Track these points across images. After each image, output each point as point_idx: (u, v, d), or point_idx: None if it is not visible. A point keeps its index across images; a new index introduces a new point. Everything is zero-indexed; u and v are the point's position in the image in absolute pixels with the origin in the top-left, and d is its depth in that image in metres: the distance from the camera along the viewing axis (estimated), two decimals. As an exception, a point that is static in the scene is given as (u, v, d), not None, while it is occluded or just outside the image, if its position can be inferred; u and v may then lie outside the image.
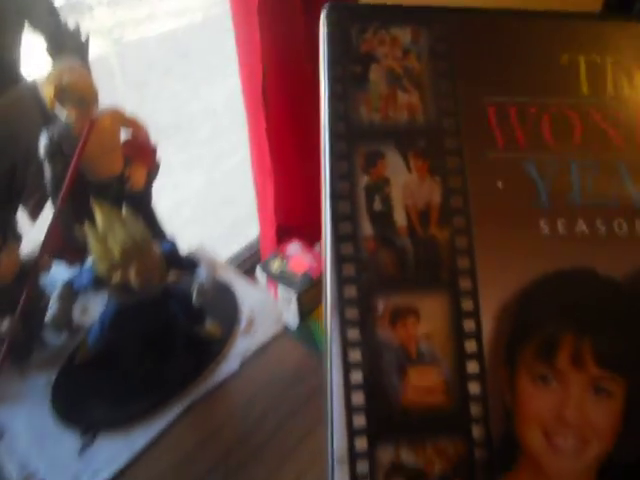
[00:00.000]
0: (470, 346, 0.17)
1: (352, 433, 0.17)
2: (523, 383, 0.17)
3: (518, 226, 0.18)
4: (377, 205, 0.17)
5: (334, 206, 0.17)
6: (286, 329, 0.51)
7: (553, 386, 0.17)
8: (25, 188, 0.49)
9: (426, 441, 0.17)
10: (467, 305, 0.17)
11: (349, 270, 0.17)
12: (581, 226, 0.18)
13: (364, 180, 0.18)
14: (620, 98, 0.19)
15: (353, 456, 0.17)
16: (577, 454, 0.17)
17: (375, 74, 0.18)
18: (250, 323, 0.52)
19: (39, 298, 0.48)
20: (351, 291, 0.17)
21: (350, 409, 0.17)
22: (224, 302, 0.55)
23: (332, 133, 0.18)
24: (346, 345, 0.17)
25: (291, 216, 0.83)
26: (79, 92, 0.44)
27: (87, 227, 0.40)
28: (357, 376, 0.17)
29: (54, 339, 0.50)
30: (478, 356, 0.17)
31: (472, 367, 0.17)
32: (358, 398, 0.17)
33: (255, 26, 0.66)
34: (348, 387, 0.17)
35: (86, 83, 0.44)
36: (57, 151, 0.45)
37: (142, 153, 0.50)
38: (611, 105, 0.19)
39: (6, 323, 0.44)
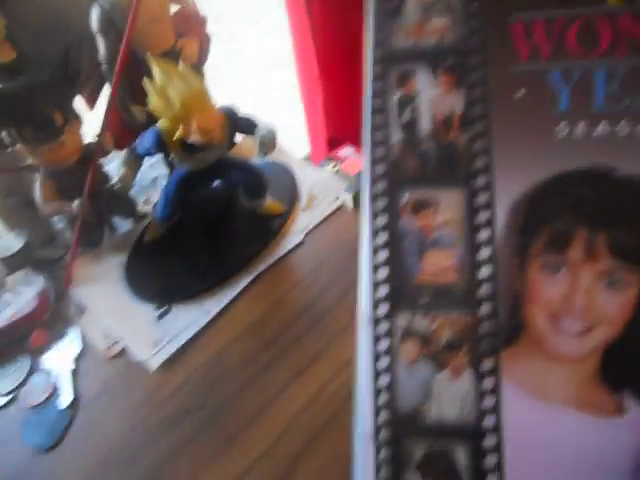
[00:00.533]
0: (484, 234, 0.20)
1: (376, 301, 0.21)
2: (533, 270, 0.19)
3: (537, 129, 0.20)
4: (406, 115, 0.21)
5: (371, 118, 0.21)
6: (345, 205, 0.51)
7: (563, 275, 0.19)
8: (80, 72, 0.49)
9: (438, 312, 0.20)
10: (483, 199, 0.20)
11: (381, 169, 0.21)
12: (602, 128, 0.19)
13: (397, 94, 0.21)
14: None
15: (376, 319, 0.21)
16: (581, 337, 0.19)
17: (410, 5, 0.21)
18: (310, 200, 0.53)
19: (104, 182, 0.50)
20: (382, 186, 0.21)
21: (375, 282, 0.21)
22: (283, 182, 0.55)
23: (373, 58, 0.21)
24: (375, 230, 0.21)
25: (342, 125, 0.77)
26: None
27: (146, 82, 0.41)
28: (383, 255, 0.21)
29: (122, 224, 0.54)
30: (491, 243, 0.20)
31: (484, 253, 0.20)
32: (383, 273, 0.21)
33: None
34: (376, 264, 0.21)
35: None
36: (109, 24, 0.46)
37: (192, 25, 0.50)
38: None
39: (76, 205, 0.47)
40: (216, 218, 0.52)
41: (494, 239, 0.20)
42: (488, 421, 0.19)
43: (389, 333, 0.20)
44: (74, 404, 0.40)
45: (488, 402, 0.19)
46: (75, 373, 0.43)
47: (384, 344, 0.20)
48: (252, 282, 0.47)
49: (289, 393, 0.38)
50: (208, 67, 0.55)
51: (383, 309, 0.21)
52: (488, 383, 0.19)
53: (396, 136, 0.21)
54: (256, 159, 0.51)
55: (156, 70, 0.41)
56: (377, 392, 0.20)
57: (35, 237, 0.53)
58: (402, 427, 0.20)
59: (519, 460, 0.19)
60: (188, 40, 0.50)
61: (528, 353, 0.19)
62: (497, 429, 0.19)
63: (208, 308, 0.46)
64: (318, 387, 0.37)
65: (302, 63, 0.79)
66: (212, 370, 0.41)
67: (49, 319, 0.47)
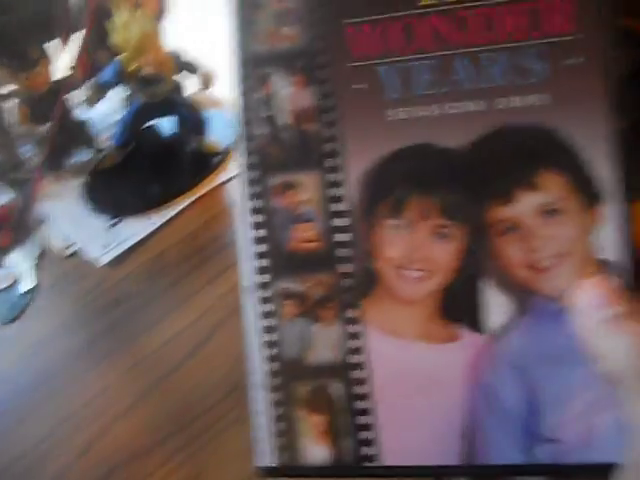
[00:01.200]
0: (337, 207, 0.24)
1: (259, 271, 0.24)
2: (379, 232, 0.24)
3: (373, 115, 0.24)
4: (268, 112, 0.24)
5: (242, 115, 0.25)
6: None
7: (403, 233, 0.24)
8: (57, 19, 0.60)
9: (308, 275, 0.24)
10: (335, 177, 0.24)
11: (253, 159, 0.25)
12: (422, 111, 0.23)
13: (258, 94, 0.25)
14: (456, 2, 0.23)
15: (259, 286, 0.24)
16: (422, 282, 0.23)
17: (263, 16, 0.25)
18: None
19: (70, 111, 0.60)
20: (255, 174, 0.25)
21: (258, 254, 0.24)
22: (219, 127, 0.64)
23: (235, 63, 0.25)
24: (254, 211, 0.25)
25: None
26: None
27: (108, 23, 0.51)
28: (261, 232, 0.24)
29: (84, 154, 0.63)
30: (344, 214, 0.24)
31: (339, 222, 0.24)
32: (262, 248, 0.24)
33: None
34: (256, 240, 0.24)
35: None
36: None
37: None
38: (448, 10, 0.23)
39: (45, 129, 0.57)
40: (164, 148, 0.61)
41: (347, 210, 0.24)
42: (356, 359, 0.24)
43: (271, 298, 0.24)
44: (34, 290, 0.50)
45: (355, 343, 0.24)
46: (35, 267, 0.52)
47: (267, 307, 0.24)
48: (193, 202, 0.57)
49: (214, 285, 0.48)
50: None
51: (265, 278, 0.24)
52: (353, 328, 0.24)
53: (262, 129, 0.24)
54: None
55: (118, 10, 0.50)
56: (267, 347, 0.24)
57: (6, 161, 0.62)
58: (289, 373, 0.24)
59: (383, 385, 0.23)
60: None
61: (383, 300, 0.24)
62: (364, 364, 0.24)
63: (154, 220, 0.55)
64: (231, 286, 0.46)
65: None
66: (152, 267, 0.51)
67: (15, 224, 0.57)
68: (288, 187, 0.24)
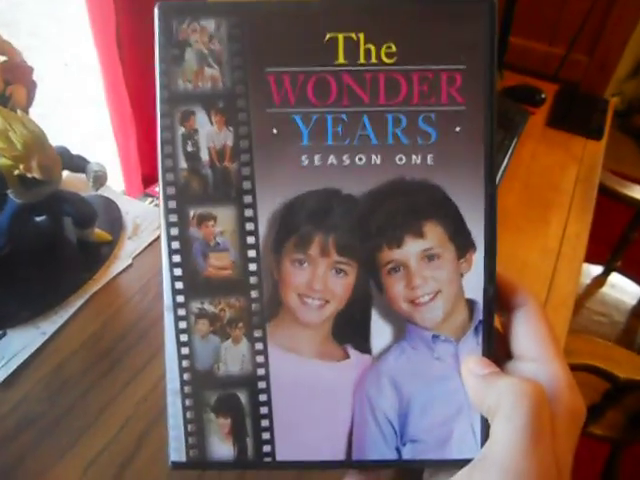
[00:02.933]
0: (250, 240, 0.27)
1: (174, 292, 0.27)
2: (286, 264, 0.27)
3: (287, 160, 0.26)
4: (189, 147, 0.26)
5: (162, 148, 0.26)
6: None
7: (306, 267, 0.27)
8: None
9: (220, 298, 0.27)
10: (248, 213, 0.27)
11: (171, 190, 0.27)
12: (332, 160, 0.26)
13: (181, 130, 0.26)
14: (368, 65, 0.26)
15: (175, 306, 0.27)
16: (319, 309, 0.27)
17: (189, 55, 0.26)
18: (135, 228, 0.61)
19: None
20: (172, 204, 0.27)
21: (173, 278, 0.27)
22: (110, 213, 0.63)
23: (160, 98, 0.26)
24: (170, 239, 0.27)
25: (155, 163, 0.86)
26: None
27: None
28: (177, 258, 0.27)
29: None
30: (255, 246, 0.27)
31: (251, 253, 0.27)
32: (178, 271, 0.27)
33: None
34: (172, 265, 0.27)
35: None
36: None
37: (19, 74, 0.55)
38: (361, 71, 0.26)
39: None
40: (46, 247, 0.56)
41: (258, 243, 0.27)
42: (260, 372, 0.27)
43: (186, 316, 0.27)
44: None
45: (259, 359, 0.27)
46: None
47: (183, 324, 0.27)
48: (85, 303, 0.52)
49: (129, 391, 0.44)
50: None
51: (180, 298, 0.27)
52: (258, 346, 0.27)
53: (182, 164, 0.26)
54: (84, 192, 0.56)
55: None
56: (180, 359, 0.27)
57: None
58: (200, 382, 0.27)
59: (282, 395, 0.27)
60: (17, 87, 0.54)
61: (286, 323, 0.27)
62: (266, 376, 0.27)
63: (44, 329, 0.50)
64: (154, 382, 0.44)
65: (115, 105, 0.82)
66: (52, 383, 0.45)
67: None
68: (205, 219, 0.27)
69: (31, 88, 0.57)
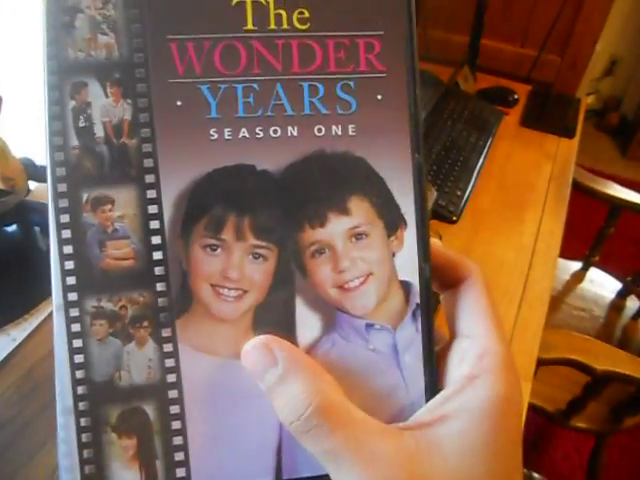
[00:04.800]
0: (154, 224, 0.23)
1: (65, 289, 0.23)
2: (195, 251, 0.24)
3: (194, 134, 0.24)
4: (81, 122, 0.23)
5: (50, 125, 0.23)
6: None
7: (219, 253, 0.24)
8: None
9: (121, 294, 0.23)
10: (151, 194, 0.23)
11: (61, 171, 0.23)
12: (244, 133, 0.24)
13: (71, 104, 0.23)
14: (280, 31, 0.24)
15: (66, 305, 0.23)
16: (236, 301, 0.24)
17: (80, 22, 0.23)
18: None
19: None
20: (62, 187, 0.23)
21: (64, 272, 0.23)
22: None
23: (47, 70, 0.23)
24: (59, 226, 0.23)
25: None
26: None
27: None
28: (68, 249, 0.23)
29: None
30: (160, 232, 0.23)
31: (155, 240, 0.23)
32: (69, 265, 0.23)
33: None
34: (62, 257, 0.23)
35: None
36: None
37: None
38: (272, 37, 0.24)
39: None
40: (16, 256, 0.56)
41: (163, 228, 0.23)
42: (170, 379, 0.23)
43: (80, 317, 0.23)
44: None
45: (169, 363, 0.23)
46: None
47: (76, 327, 0.23)
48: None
49: None
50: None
51: (72, 296, 0.23)
52: (167, 348, 0.23)
53: (73, 141, 0.23)
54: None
55: None
56: (73, 369, 0.23)
57: None
58: (98, 396, 0.23)
59: (197, 405, 0.23)
60: None
61: (198, 319, 0.24)
62: (178, 384, 0.23)
63: (14, 336, 0.50)
64: None
65: None
66: (22, 387, 0.45)
67: None
68: (101, 203, 0.23)
69: None
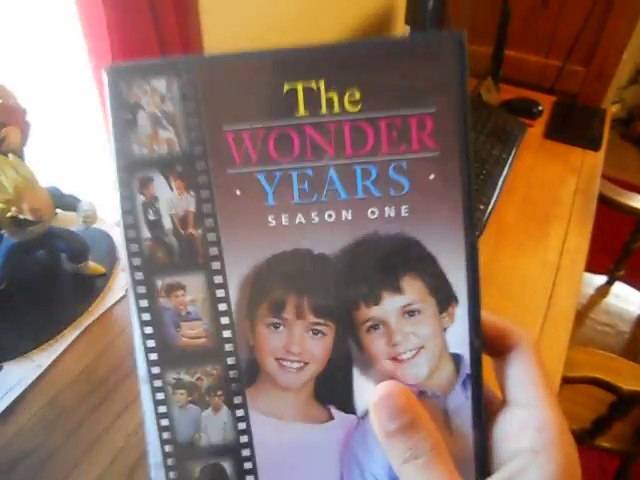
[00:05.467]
0: (222, 307, 0.26)
1: (149, 363, 0.26)
2: (260, 329, 0.26)
3: (253, 221, 0.25)
4: (150, 216, 0.25)
5: (124, 218, 0.25)
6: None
7: (282, 330, 0.26)
8: None
9: (196, 367, 0.26)
10: (218, 280, 0.25)
11: (137, 261, 0.26)
12: (300, 218, 0.25)
13: (140, 199, 0.25)
14: (331, 114, 0.25)
15: (151, 377, 0.26)
16: (298, 372, 0.26)
17: (142, 119, 0.25)
18: None
19: None
20: (139, 275, 0.26)
21: (146, 349, 0.26)
22: (103, 246, 0.64)
23: (117, 166, 0.25)
24: (140, 310, 0.26)
25: None
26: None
27: None
28: (149, 329, 0.26)
29: None
30: (228, 313, 0.26)
31: (224, 320, 0.26)
32: (151, 343, 0.26)
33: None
34: (144, 336, 0.26)
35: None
36: None
37: (14, 116, 0.57)
38: (324, 122, 0.25)
39: None
40: (42, 281, 0.58)
41: (230, 309, 0.26)
42: (243, 439, 0.26)
43: (163, 387, 0.26)
44: None
45: (241, 426, 0.26)
46: None
47: (160, 395, 0.26)
48: (80, 335, 0.53)
49: (120, 423, 0.44)
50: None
51: (155, 370, 0.26)
52: (239, 413, 0.26)
53: (145, 234, 0.25)
54: (77, 227, 0.56)
55: None
56: (160, 431, 0.27)
57: None
58: (182, 454, 0.27)
59: (267, 462, 0.27)
60: (11, 128, 0.56)
61: (265, 388, 0.26)
62: (250, 444, 0.26)
63: (39, 362, 0.51)
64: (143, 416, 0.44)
65: None
66: (46, 415, 0.46)
67: None
68: (174, 289, 0.26)
69: (25, 129, 0.59)
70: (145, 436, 0.27)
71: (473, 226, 0.25)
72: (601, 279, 1.34)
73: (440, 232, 0.25)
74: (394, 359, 0.26)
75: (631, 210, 1.20)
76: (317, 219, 0.25)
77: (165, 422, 0.26)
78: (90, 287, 0.59)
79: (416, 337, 0.26)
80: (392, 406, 0.24)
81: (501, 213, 0.97)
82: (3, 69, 0.62)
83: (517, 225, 0.94)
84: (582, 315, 1.23)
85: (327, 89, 0.24)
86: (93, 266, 0.61)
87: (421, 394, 0.26)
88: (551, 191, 1.05)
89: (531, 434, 0.24)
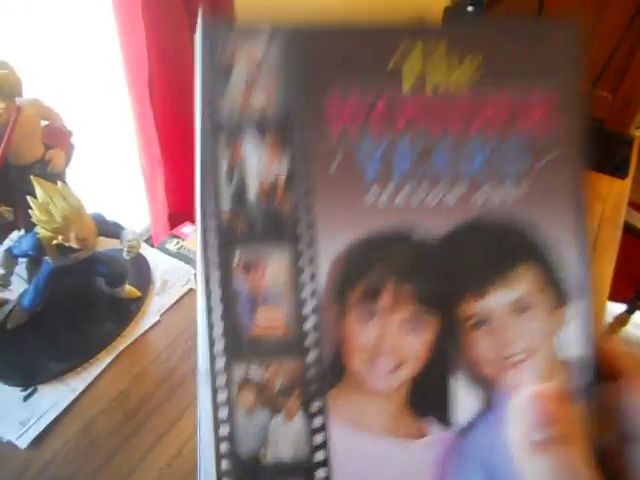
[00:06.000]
0: (307, 290, 0.22)
1: (212, 355, 0.22)
2: (351, 319, 0.22)
3: (350, 198, 0.23)
4: (234, 185, 0.22)
5: (202, 187, 0.22)
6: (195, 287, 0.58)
7: (375, 321, 0.22)
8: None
9: (270, 362, 0.22)
10: (306, 257, 0.22)
11: (211, 237, 0.22)
12: (402, 197, 0.23)
13: (225, 166, 0.22)
14: (437, 95, 0.23)
15: (213, 372, 0.22)
16: (392, 374, 0.22)
17: (235, 80, 0.23)
18: (164, 284, 0.60)
19: None
20: (213, 253, 0.22)
21: (211, 338, 0.22)
22: (139, 269, 0.63)
23: (202, 130, 0.23)
24: (209, 292, 0.22)
25: (181, 202, 0.91)
26: (7, 85, 0.51)
27: (30, 200, 0.48)
28: (218, 312, 0.22)
29: None
30: (314, 298, 0.22)
31: (308, 306, 0.22)
32: (218, 329, 0.22)
33: (140, 24, 0.72)
34: (210, 322, 0.22)
35: (13, 76, 0.51)
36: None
37: (60, 138, 0.58)
38: (428, 101, 0.23)
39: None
40: (78, 304, 0.57)
41: (317, 293, 0.22)
42: (319, 456, 0.22)
43: (227, 385, 0.22)
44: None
45: (318, 439, 0.22)
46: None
47: (222, 396, 0.22)
48: (114, 360, 0.51)
49: (154, 454, 0.42)
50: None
51: (220, 363, 0.22)
52: (317, 422, 0.22)
53: (226, 204, 0.22)
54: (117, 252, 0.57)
55: (39, 189, 0.47)
56: (218, 442, 0.22)
57: None
58: (242, 473, 0.22)
59: (346, 486, 0.22)
60: (56, 151, 0.57)
61: (350, 392, 0.22)
62: (327, 462, 0.22)
63: (73, 386, 0.49)
64: (179, 446, 0.42)
65: (145, 147, 0.87)
66: (80, 443, 0.44)
67: None
68: (253, 266, 0.22)
69: (69, 151, 0.60)
70: (197, 448, 0.22)
71: (587, 212, 0.23)
72: (621, 307, 1.31)
73: (558, 217, 0.23)
74: (499, 363, 0.22)
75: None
76: (420, 199, 0.23)
77: (225, 430, 0.22)
78: (125, 311, 0.58)
79: (527, 338, 0.22)
80: (544, 410, 0.20)
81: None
82: (47, 90, 0.62)
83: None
84: (600, 345, 1.19)
85: (446, 54, 0.23)
86: (129, 289, 0.60)
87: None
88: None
89: None
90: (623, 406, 0.22)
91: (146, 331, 0.55)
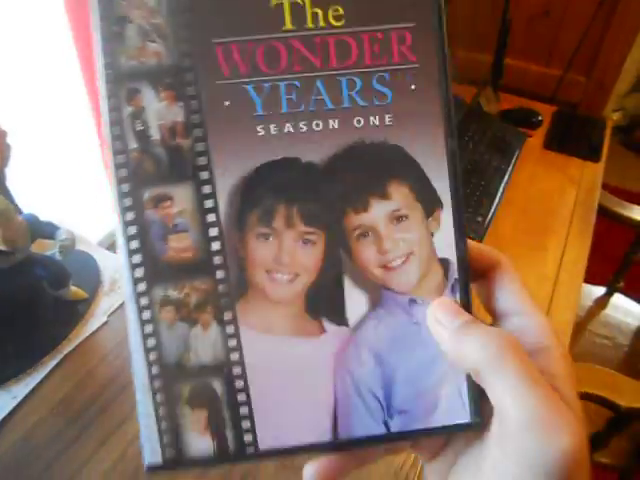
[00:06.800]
0: (210, 218, 0.25)
1: (135, 280, 0.25)
2: (250, 240, 0.26)
3: (242, 131, 0.25)
4: (138, 126, 0.25)
5: (110, 130, 0.25)
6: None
7: (272, 240, 0.26)
8: None
9: (184, 282, 0.26)
10: (206, 190, 0.25)
11: (123, 173, 0.25)
12: (288, 128, 0.26)
13: (128, 110, 0.25)
14: (317, 29, 0.26)
15: (137, 295, 0.25)
16: (289, 284, 0.26)
17: (130, 31, 0.25)
18: (113, 284, 0.60)
19: None
20: (125, 188, 0.25)
21: (132, 265, 0.25)
22: (87, 268, 0.62)
23: (105, 79, 0.25)
24: (126, 224, 0.25)
25: None
26: None
27: None
28: (135, 244, 0.25)
29: None
30: (217, 224, 0.25)
31: (213, 232, 0.25)
32: (137, 258, 0.25)
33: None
34: (129, 252, 0.25)
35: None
36: None
37: None
38: (309, 35, 0.25)
39: None
40: (22, 308, 0.55)
41: (219, 220, 0.25)
42: (234, 357, 0.26)
43: (149, 305, 0.25)
44: None
45: (231, 343, 0.26)
46: None
47: (147, 314, 0.26)
48: (59, 364, 0.50)
49: (97, 458, 0.42)
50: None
51: (141, 287, 0.25)
52: (230, 329, 0.26)
53: (132, 144, 0.25)
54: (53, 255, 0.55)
55: None
56: (147, 352, 0.26)
57: None
58: (170, 375, 0.26)
59: (259, 379, 0.26)
60: None
61: (255, 302, 0.26)
62: (240, 361, 0.26)
63: (15, 393, 0.48)
64: (123, 448, 0.42)
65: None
66: (19, 452, 0.43)
67: None
68: (161, 200, 0.25)
69: (5, 151, 0.57)
70: (130, 358, 0.26)
71: (454, 133, 0.26)
72: (600, 290, 1.32)
73: (422, 139, 0.26)
74: (384, 267, 0.26)
75: (632, 222, 1.20)
76: (305, 128, 0.26)
77: (152, 342, 0.26)
78: (71, 313, 0.57)
79: (405, 243, 0.26)
80: (451, 305, 0.25)
81: (499, 225, 0.95)
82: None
83: (515, 237, 0.93)
84: (580, 327, 1.21)
85: (312, 4, 0.25)
86: (74, 291, 0.59)
87: (412, 302, 0.26)
88: (550, 203, 1.03)
89: (535, 332, 0.24)
90: (494, 292, 0.26)
91: (93, 333, 0.54)
